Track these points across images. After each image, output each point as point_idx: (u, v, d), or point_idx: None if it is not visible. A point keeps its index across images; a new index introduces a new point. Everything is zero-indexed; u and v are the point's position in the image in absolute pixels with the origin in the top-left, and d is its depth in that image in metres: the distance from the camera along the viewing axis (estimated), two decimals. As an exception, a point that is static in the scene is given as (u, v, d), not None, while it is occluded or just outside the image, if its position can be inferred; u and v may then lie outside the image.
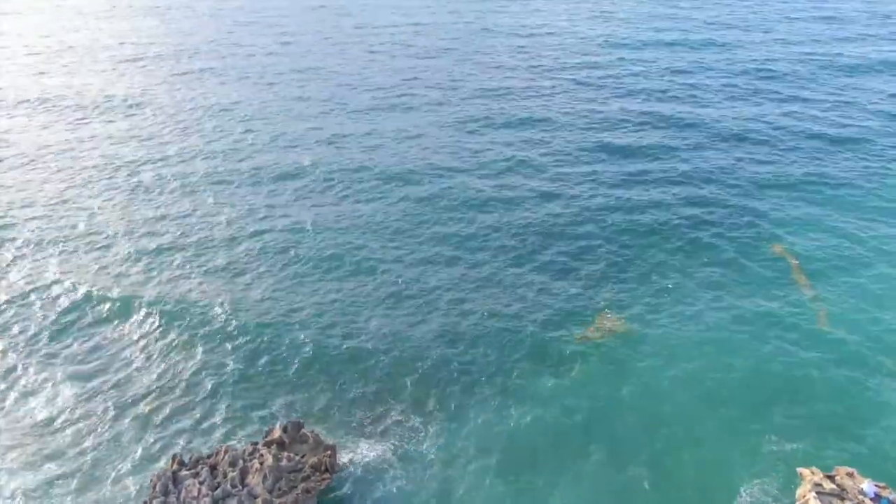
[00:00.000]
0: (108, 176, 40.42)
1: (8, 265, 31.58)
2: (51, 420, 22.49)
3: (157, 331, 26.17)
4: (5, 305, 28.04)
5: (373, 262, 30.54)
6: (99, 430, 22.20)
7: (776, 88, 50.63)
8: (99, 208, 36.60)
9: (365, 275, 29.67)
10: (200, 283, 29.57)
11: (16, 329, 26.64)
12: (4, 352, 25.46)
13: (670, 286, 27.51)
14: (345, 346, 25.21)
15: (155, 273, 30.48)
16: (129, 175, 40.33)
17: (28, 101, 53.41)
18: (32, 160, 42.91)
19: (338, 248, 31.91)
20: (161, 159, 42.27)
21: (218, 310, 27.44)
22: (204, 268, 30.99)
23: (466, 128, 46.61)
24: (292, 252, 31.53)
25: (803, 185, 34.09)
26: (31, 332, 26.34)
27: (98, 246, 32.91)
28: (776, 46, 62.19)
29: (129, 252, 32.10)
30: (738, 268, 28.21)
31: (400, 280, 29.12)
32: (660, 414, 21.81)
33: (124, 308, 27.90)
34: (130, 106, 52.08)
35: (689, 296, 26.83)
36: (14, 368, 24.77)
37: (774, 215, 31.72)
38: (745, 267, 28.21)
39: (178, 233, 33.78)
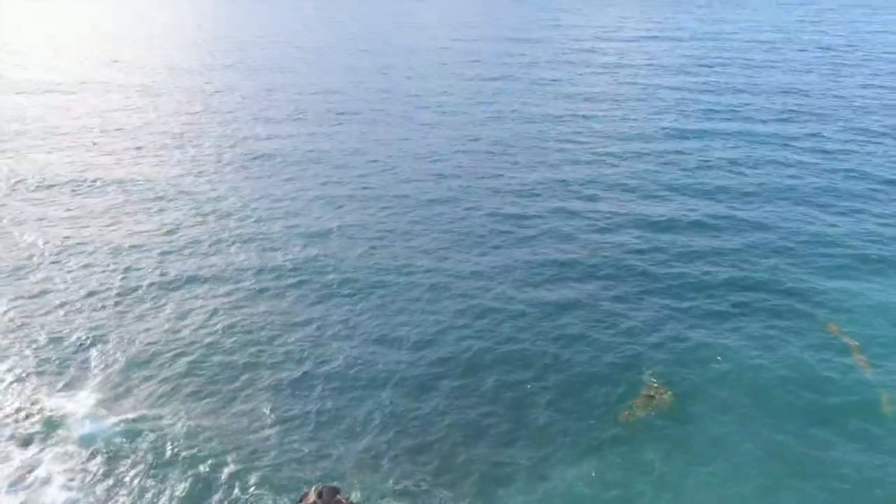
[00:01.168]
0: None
1: None
2: None
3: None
4: None
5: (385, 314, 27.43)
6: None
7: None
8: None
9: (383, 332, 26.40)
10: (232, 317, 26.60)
11: None
12: None
13: (719, 358, 23.71)
14: (381, 403, 22.27)
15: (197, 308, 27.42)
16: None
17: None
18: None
19: (351, 283, 29.24)
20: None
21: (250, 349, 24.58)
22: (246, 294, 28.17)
23: (502, 154, 45.15)
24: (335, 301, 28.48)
25: (867, 263, 30.59)
26: None
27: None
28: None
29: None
30: (792, 345, 24.55)
31: (413, 334, 25.76)
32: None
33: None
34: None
35: (742, 370, 23.06)
36: None
37: (832, 292, 27.99)
38: (799, 346, 24.55)
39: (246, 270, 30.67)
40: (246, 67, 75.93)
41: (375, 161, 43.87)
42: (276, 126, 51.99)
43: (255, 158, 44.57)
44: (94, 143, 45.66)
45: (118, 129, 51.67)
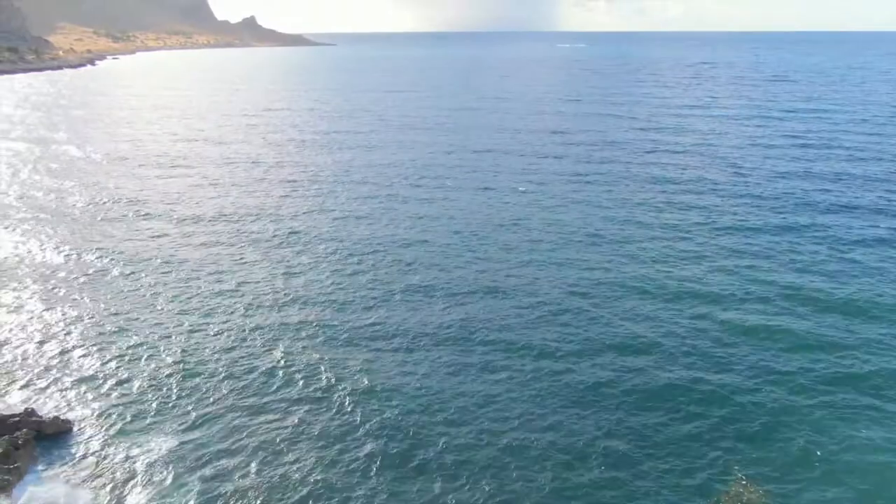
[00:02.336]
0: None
1: None
2: None
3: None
4: None
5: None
6: None
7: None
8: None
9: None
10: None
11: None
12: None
13: (819, 455, 19.62)
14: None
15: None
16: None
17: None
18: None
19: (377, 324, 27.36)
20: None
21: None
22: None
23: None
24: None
25: None
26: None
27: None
28: None
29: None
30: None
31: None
32: None
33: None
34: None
35: (835, 470, 18.95)
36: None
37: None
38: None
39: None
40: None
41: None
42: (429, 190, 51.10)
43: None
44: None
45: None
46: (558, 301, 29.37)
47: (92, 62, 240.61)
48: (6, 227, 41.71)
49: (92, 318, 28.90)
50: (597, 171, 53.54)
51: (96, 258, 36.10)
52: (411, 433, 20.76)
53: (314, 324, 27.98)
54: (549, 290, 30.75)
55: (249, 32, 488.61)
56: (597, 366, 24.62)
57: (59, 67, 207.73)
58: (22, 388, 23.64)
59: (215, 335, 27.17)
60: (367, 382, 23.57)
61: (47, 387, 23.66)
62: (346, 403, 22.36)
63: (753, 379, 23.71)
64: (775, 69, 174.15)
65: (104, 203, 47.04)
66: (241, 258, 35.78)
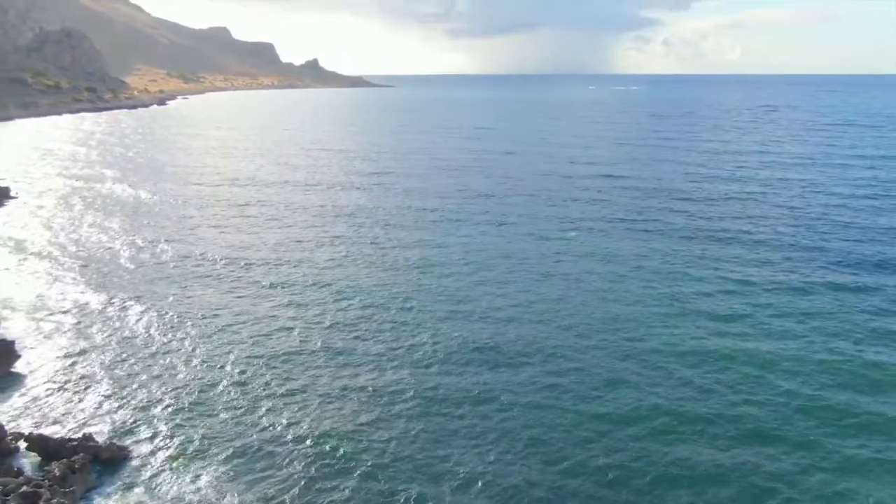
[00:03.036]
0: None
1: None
2: None
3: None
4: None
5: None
6: None
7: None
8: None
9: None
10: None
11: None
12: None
13: None
14: None
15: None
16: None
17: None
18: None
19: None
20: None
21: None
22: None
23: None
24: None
25: None
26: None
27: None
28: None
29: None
30: None
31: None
32: None
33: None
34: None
35: None
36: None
37: None
38: None
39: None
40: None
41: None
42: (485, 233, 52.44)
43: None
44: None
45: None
46: (607, 363, 27.91)
47: (163, 102, 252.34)
48: (61, 258, 43.63)
49: (150, 348, 29.83)
50: (649, 219, 52.18)
51: (153, 290, 37.32)
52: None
53: (375, 368, 28.14)
54: (596, 344, 29.61)
55: (312, 74, 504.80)
56: (641, 440, 23.65)
57: (134, 106, 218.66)
58: (81, 412, 24.50)
59: (272, 370, 27.64)
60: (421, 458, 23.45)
61: (105, 412, 24.44)
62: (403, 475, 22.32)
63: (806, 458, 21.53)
64: (838, 113, 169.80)
65: (156, 235, 48.76)
66: (291, 300, 36.28)
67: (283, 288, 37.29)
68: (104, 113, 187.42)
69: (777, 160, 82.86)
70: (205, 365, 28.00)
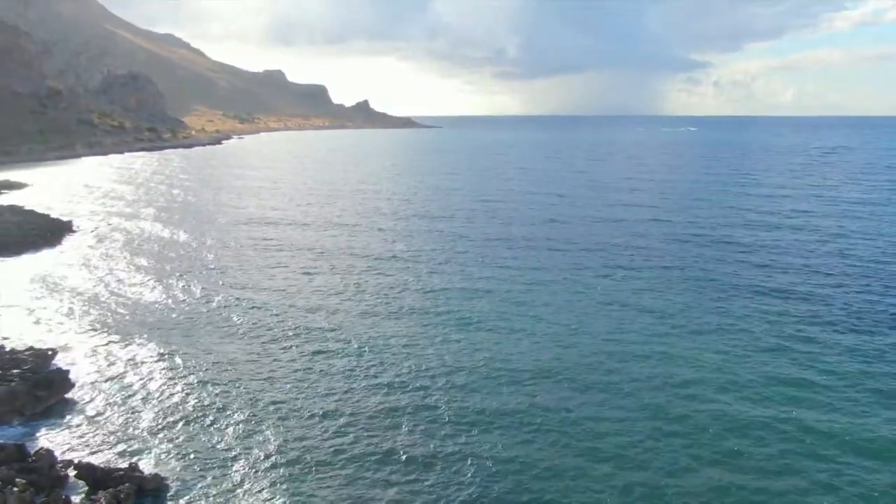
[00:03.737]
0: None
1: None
2: None
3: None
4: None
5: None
6: None
7: None
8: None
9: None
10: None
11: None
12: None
13: None
14: None
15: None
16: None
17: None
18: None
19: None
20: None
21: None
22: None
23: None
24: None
25: None
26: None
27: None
28: None
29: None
30: None
31: None
32: None
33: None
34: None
35: None
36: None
37: None
38: None
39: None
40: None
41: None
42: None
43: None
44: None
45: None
46: (646, 429, 25.94)
47: (219, 141, 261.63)
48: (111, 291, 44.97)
49: (197, 382, 30.33)
50: (698, 267, 49.78)
51: (202, 327, 38.08)
52: None
53: (427, 405, 28.00)
54: (638, 409, 27.66)
55: (362, 115, 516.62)
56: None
57: (191, 146, 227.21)
58: (128, 442, 24.97)
59: (323, 401, 27.77)
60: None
61: (152, 444, 24.86)
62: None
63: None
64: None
65: (204, 274, 49.92)
66: (327, 347, 36.44)
67: (324, 333, 37.56)
68: (163, 152, 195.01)
69: (834, 206, 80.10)
70: (252, 403, 28.26)
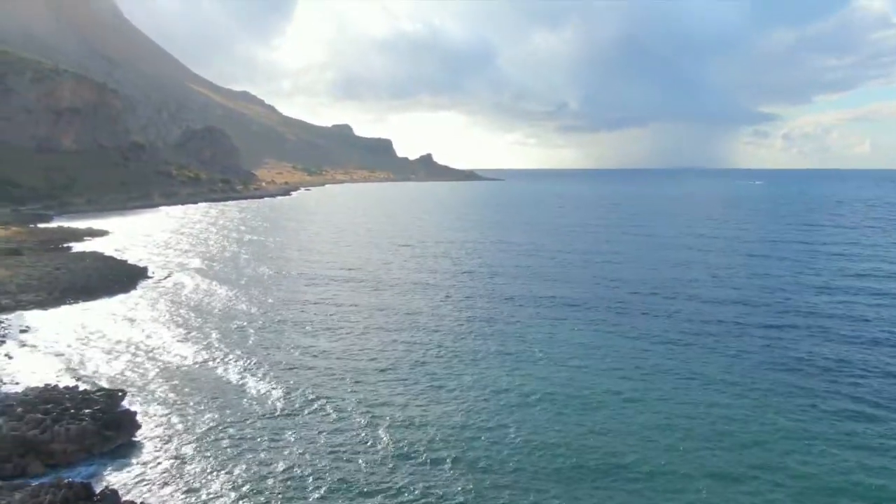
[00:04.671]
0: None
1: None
2: None
3: None
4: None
5: None
6: None
7: None
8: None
9: None
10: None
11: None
12: None
13: None
14: None
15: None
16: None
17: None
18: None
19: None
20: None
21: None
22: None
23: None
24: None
25: None
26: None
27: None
28: None
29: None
30: None
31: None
32: None
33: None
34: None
35: None
36: None
37: None
38: None
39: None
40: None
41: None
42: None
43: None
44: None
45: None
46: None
47: (288, 192, 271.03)
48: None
49: (265, 427, 30.78)
50: (768, 338, 45.23)
51: (272, 373, 38.73)
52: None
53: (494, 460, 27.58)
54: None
55: (426, 168, 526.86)
56: None
57: (261, 196, 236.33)
58: (192, 485, 25.40)
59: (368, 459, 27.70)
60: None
61: (216, 488, 25.24)
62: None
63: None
64: None
65: (270, 319, 50.95)
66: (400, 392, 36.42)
67: (389, 398, 37.62)
68: (235, 202, 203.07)
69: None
70: (314, 454, 28.39)
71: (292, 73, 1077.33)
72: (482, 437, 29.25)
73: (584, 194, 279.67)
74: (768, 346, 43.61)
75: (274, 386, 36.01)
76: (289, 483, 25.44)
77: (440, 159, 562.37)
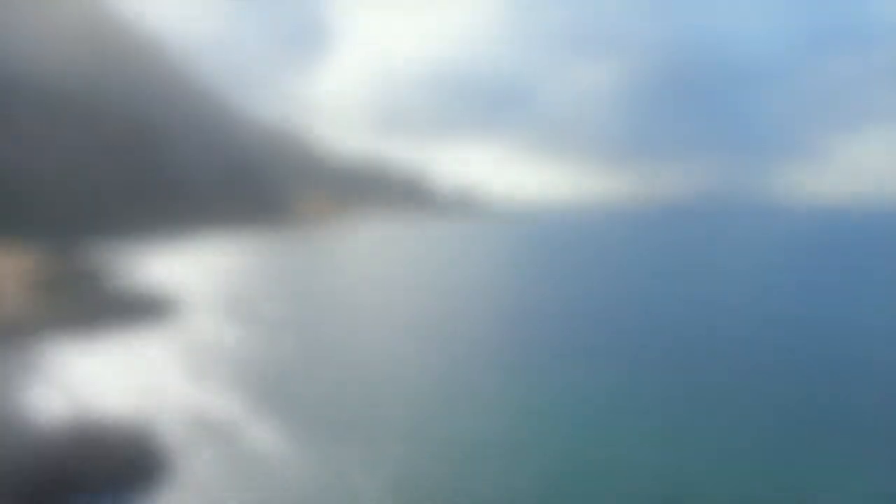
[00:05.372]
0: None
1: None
2: None
3: None
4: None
5: None
6: None
7: None
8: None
9: None
10: None
11: None
12: None
13: None
14: None
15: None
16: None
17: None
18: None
19: None
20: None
21: None
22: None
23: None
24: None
25: None
26: None
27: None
28: None
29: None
30: None
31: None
32: None
33: None
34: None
35: None
36: None
37: None
38: None
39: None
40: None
41: None
42: None
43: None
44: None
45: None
46: None
47: (328, 231, 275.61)
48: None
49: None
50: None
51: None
52: None
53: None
54: None
55: (466, 207, 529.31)
56: None
57: (301, 235, 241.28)
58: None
59: None
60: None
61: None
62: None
63: None
64: None
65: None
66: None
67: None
68: (276, 240, 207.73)
69: None
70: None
71: (331, 106, 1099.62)
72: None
73: (637, 235, 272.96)
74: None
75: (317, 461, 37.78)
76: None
77: (482, 196, 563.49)
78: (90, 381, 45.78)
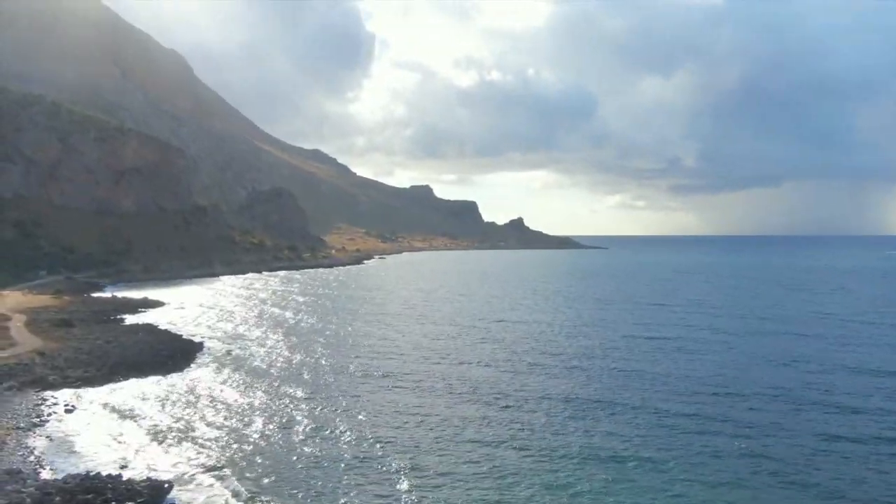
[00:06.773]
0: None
1: None
2: None
3: None
4: None
5: None
6: None
7: None
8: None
9: None
10: None
11: None
12: None
13: None
14: None
15: None
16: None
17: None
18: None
19: None
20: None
21: None
22: None
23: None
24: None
25: None
26: None
27: None
28: None
29: None
30: None
31: None
32: None
33: None
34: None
35: None
36: None
37: None
38: None
39: None
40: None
41: None
42: None
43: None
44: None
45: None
46: None
47: (360, 261, 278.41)
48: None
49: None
50: None
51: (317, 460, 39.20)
52: None
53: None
54: None
55: (516, 234, 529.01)
56: None
57: (331, 265, 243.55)
58: None
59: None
60: None
61: None
62: None
63: None
64: None
65: (327, 414, 51.63)
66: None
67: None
68: (301, 271, 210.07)
69: None
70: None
71: (367, 129, 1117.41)
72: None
73: (703, 265, 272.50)
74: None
75: (337, 484, 36.30)
76: None
77: (532, 224, 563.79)
78: (105, 424, 45.71)
